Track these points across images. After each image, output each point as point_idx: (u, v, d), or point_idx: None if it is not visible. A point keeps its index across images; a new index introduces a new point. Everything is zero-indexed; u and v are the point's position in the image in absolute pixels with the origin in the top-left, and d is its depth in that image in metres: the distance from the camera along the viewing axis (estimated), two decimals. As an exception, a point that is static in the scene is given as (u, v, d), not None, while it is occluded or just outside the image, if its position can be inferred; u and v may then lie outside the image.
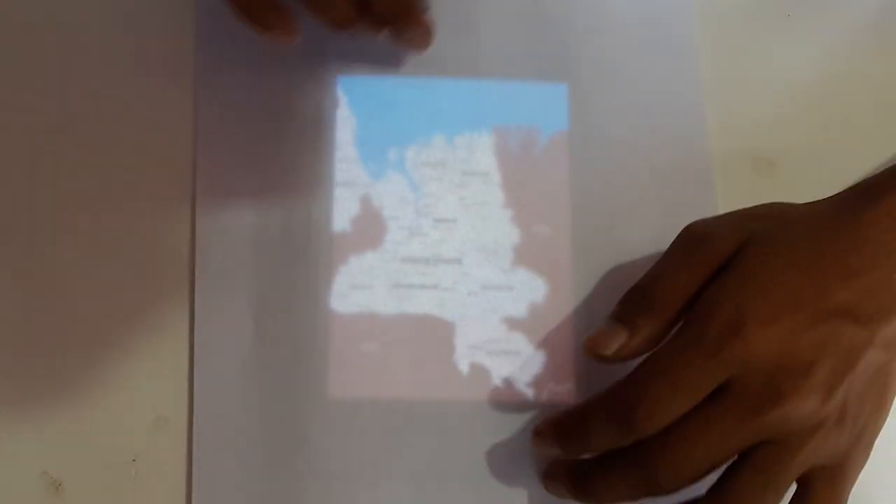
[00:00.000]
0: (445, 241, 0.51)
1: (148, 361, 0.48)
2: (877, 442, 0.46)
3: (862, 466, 0.45)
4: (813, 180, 0.51)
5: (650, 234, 0.51)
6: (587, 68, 0.54)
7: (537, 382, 0.51)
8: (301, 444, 0.48)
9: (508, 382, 0.50)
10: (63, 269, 0.48)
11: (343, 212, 0.51)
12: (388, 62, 0.53)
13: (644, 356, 0.45)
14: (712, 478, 0.44)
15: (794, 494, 0.44)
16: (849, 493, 0.44)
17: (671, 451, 0.42)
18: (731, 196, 0.51)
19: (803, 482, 0.44)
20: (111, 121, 0.51)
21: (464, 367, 0.51)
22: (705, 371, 0.42)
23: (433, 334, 0.50)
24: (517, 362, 0.50)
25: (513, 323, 0.51)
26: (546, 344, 0.51)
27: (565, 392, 0.51)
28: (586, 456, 0.45)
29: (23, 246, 0.48)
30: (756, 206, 0.47)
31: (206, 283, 0.49)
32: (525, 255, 0.52)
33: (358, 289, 0.50)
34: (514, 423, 0.50)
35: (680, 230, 0.46)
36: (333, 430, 0.49)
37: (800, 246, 0.44)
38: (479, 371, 0.51)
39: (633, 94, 0.54)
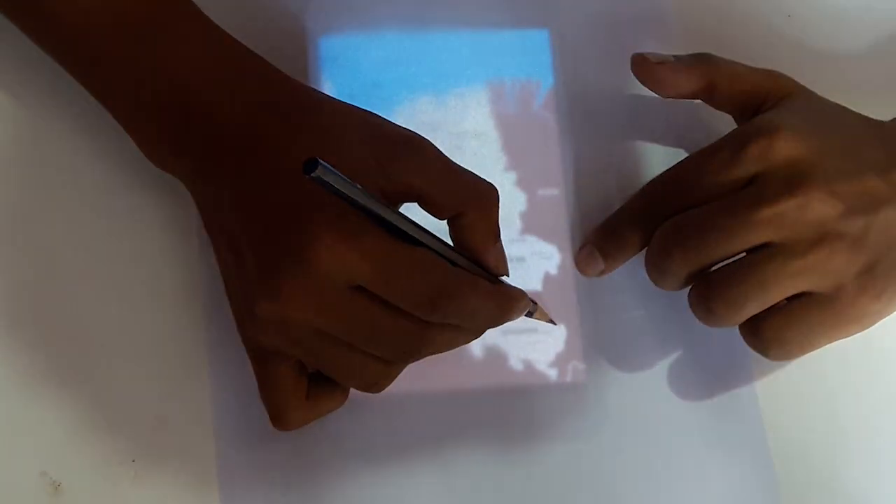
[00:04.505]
0: (444, 213, 0.47)
1: (148, 361, 0.47)
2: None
3: (856, 321, 0.45)
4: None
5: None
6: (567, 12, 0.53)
7: (560, 361, 0.49)
8: (320, 447, 0.47)
9: (528, 364, 0.48)
10: (64, 271, 0.48)
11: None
12: (364, 20, 0.51)
13: None
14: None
15: (776, 305, 0.44)
16: (825, 334, 0.45)
17: (687, 225, 0.44)
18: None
19: (792, 300, 0.45)
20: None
21: (477, 350, 0.48)
22: (731, 164, 0.44)
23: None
24: (535, 341, 0.48)
25: None
26: (566, 317, 0.49)
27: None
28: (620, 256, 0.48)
29: (25, 244, 0.48)
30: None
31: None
32: (534, 222, 0.50)
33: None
34: (536, 410, 0.48)
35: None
36: (349, 431, 0.47)
37: (843, 118, 0.47)
38: (494, 354, 0.48)
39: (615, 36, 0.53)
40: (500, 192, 0.47)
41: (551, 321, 0.47)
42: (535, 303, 0.45)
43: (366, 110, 0.44)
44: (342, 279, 0.39)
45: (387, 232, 0.40)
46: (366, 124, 0.43)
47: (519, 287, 0.44)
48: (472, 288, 0.41)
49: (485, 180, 0.43)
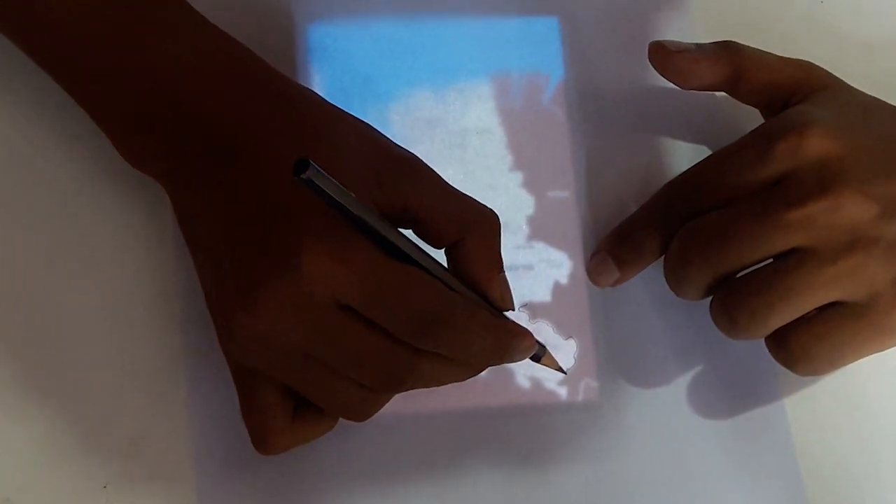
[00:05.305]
0: (444, 217, 0.48)
1: (121, 379, 0.46)
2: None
3: (893, 334, 0.44)
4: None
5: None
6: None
7: (571, 379, 0.47)
8: (308, 472, 0.46)
9: (536, 382, 0.47)
10: (29, 279, 0.47)
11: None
12: (356, 7, 0.50)
13: None
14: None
15: (806, 316, 0.43)
16: (859, 347, 0.44)
17: (708, 228, 0.43)
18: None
19: (823, 310, 0.43)
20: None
21: (481, 367, 0.48)
22: (757, 163, 0.43)
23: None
24: (544, 356, 0.47)
25: (535, 309, 0.48)
26: (577, 331, 0.48)
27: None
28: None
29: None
30: None
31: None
32: (542, 227, 0.49)
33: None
34: (545, 431, 0.47)
35: None
36: (340, 455, 0.46)
37: (880, 113, 0.46)
38: (499, 371, 0.47)
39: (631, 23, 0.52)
40: (505, 194, 0.48)
41: (560, 369, 0.46)
42: (543, 346, 0.44)
43: (361, 120, 0.43)
44: (327, 296, 0.38)
45: (379, 248, 0.39)
46: (361, 135, 0.42)
47: (526, 327, 0.43)
48: (469, 316, 0.40)
49: (485, 206, 0.42)
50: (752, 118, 0.48)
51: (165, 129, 0.43)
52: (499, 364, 0.42)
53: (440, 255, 0.41)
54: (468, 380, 0.44)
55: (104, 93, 0.44)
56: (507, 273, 0.45)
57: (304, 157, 0.35)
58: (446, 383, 0.42)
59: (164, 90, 0.42)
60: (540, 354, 0.44)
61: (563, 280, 0.48)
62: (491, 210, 0.42)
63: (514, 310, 0.43)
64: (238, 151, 0.41)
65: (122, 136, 0.44)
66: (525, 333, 0.42)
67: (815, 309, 0.43)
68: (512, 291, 0.43)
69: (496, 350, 0.41)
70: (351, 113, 0.43)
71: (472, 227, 0.41)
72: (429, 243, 0.41)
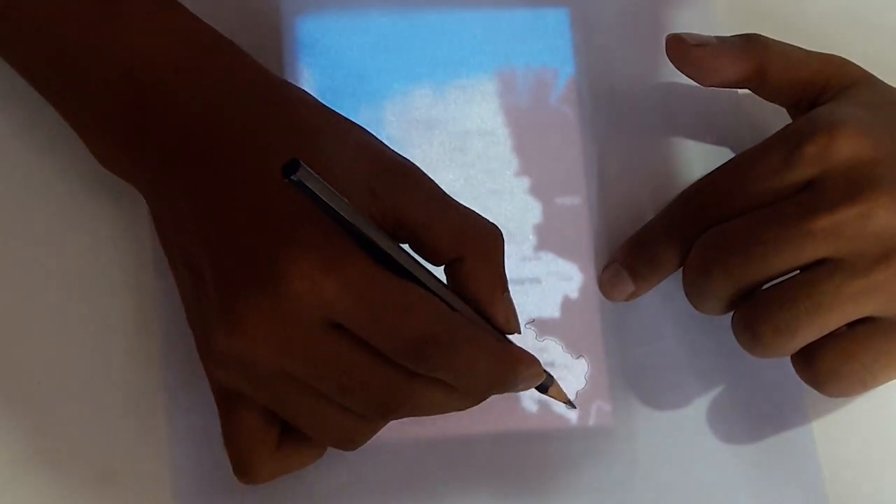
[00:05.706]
0: (444, 226, 0.48)
1: (93, 404, 0.45)
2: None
3: None
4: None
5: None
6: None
7: (581, 402, 0.46)
8: (301, 500, 0.45)
9: (544, 405, 0.46)
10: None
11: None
12: None
13: None
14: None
15: (834, 332, 0.43)
16: (892, 367, 0.43)
17: (730, 237, 0.43)
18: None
19: (853, 326, 0.43)
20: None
21: (483, 388, 0.47)
22: (783, 166, 0.42)
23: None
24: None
25: (543, 326, 0.47)
26: (589, 349, 0.47)
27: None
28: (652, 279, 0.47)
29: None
30: None
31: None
32: (551, 237, 0.48)
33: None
34: (554, 459, 0.46)
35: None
36: (332, 485, 0.45)
37: None
38: (504, 394, 0.45)
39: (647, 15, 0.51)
40: (510, 201, 0.47)
41: (569, 402, 0.44)
42: (551, 376, 0.43)
43: (354, 122, 0.42)
44: (317, 314, 0.37)
45: (374, 260, 0.37)
46: (354, 139, 0.41)
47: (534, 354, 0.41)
48: (471, 339, 0.38)
49: (488, 220, 0.41)
50: (778, 118, 0.48)
51: (135, 128, 0.42)
52: (502, 393, 0.41)
53: (440, 273, 0.40)
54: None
55: (65, 84, 0.43)
56: (512, 288, 0.44)
57: (295, 158, 0.34)
58: (445, 412, 0.41)
59: (131, 83, 0.41)
60: (547, 384, 0.43)
61: (574, 294, 0.47)
62: (494, 225, 0.41)
63: (519, 333, 0.41)
64: (222, 153, 0.40)
65: (91, 135, 0.43)
66: (532, 360, 0.40)
67: (846, 325, 0.42)
68: (518, 313, 0.41)
69: (499, 377, 0.40)
70: (343, 114, 0.42)
71: (473, 244, 0.40)
72: (426, 260, 0.40)
